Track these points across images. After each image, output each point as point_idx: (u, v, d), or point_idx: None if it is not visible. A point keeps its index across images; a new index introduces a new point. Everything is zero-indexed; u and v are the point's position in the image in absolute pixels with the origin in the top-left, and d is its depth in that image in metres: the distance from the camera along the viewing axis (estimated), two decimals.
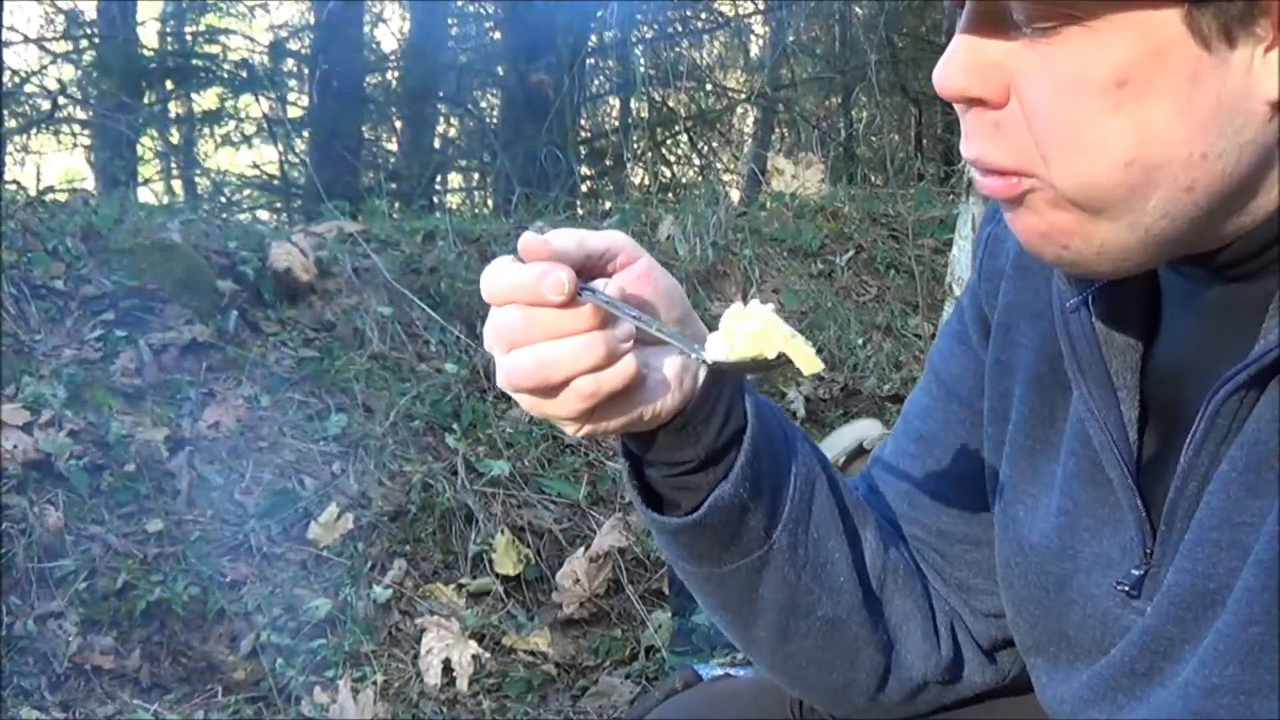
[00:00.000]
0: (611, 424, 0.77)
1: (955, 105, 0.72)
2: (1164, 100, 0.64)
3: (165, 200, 8.32)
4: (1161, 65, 0.64)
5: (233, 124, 9.14)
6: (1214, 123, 0.65)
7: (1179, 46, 0.64)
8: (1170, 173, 0.66)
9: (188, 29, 9.83)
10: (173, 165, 9.51)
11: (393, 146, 10.25)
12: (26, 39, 8.60)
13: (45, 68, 8.71)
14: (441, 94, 9.07)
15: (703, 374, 0.80)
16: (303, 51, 9.37)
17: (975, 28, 0.69)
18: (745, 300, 0.78)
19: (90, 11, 8.91)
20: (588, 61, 7.73)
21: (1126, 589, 0.78)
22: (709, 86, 9.62)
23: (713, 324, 0.79)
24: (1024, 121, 0.69)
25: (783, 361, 0.74)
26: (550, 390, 0.73)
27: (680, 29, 9.19)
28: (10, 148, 8.28)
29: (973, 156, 0.72)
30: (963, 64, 0.70)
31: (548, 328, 0.72)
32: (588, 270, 0.74)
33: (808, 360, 0.74)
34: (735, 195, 7.67)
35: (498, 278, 0.73)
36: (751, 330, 0.74)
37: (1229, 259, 0.71)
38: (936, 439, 0.97)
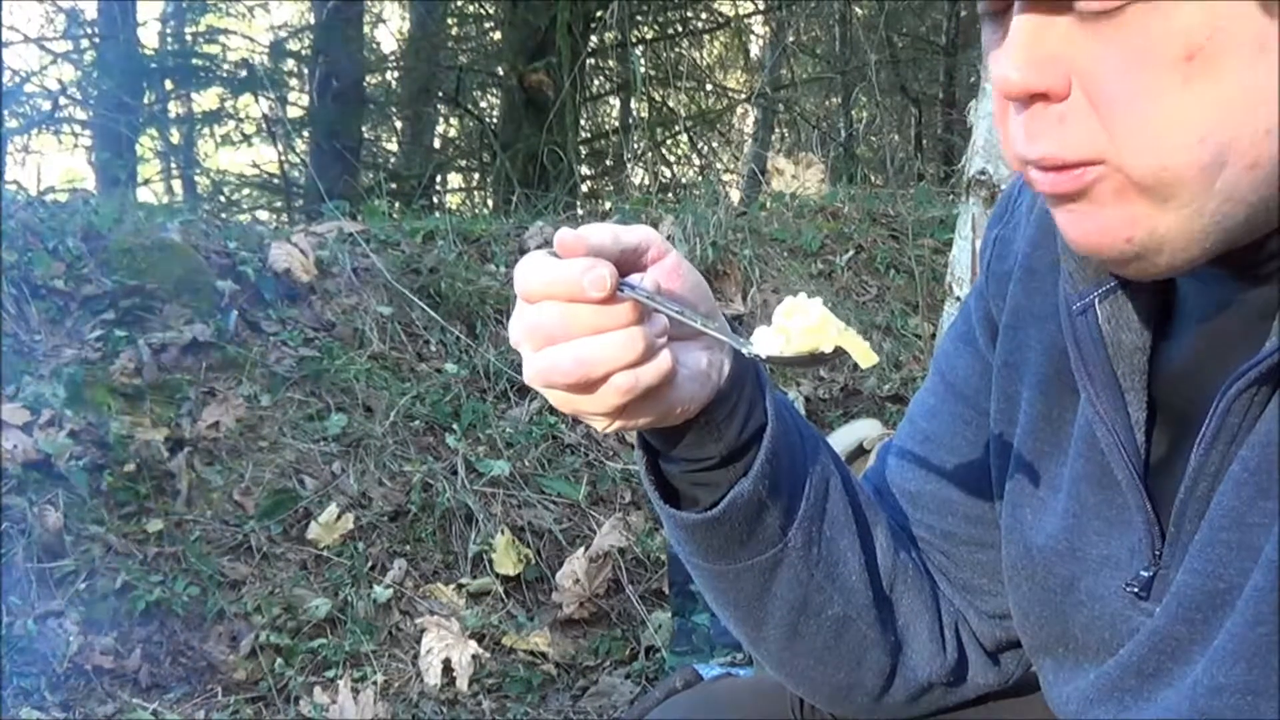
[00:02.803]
0: (642, 420, 0.76)
1: (1011, 107, 0.70)
2: (1232, 72, 0.63)
3: (165, 200, 8.31)
4: (1229, 36, 0.62)
5: (233, 124, 9.14)
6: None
7: (1246, 16, 0.62)
8: (1238, 148, 0.64)
9: (188, 29, 9.84)
10: (173, 165, 9.51)
11: (393, 146, 10.26)
12: (27, 39, 8.61)
13: (45, 68, 8.71)
14: (441, 94, 9.07)
15: (726, 369, 0.80)
16: (303, 51, 9.37)
17: (1033, 8, 0.67)
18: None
19: (90, 11, 8.92)
20: (588, 61, 7.73)
21: (1135, 590, 0.78)
22: (709, 86, 9.63)
23: None
24: (1090, 109, 0.67)
25: (837, 355, 0.73)
26: (588, 386, 0.72)
27: (680, 29, 9.20)
28: (10, 148, 8.29)
29: (1038, 156, 0.69)
30: (1022, 60, 0.67)
31: (587, 324, 0.70)
32: (621, 265, 0.73)
33: (864, 353, 0.73)
34: (735, 195, 7.66)
35: (535, 274, 0.71)
36: (806, 325, 0.73)
37: (1260, 258, 0.70)
38: (942, 440, 0.97)
